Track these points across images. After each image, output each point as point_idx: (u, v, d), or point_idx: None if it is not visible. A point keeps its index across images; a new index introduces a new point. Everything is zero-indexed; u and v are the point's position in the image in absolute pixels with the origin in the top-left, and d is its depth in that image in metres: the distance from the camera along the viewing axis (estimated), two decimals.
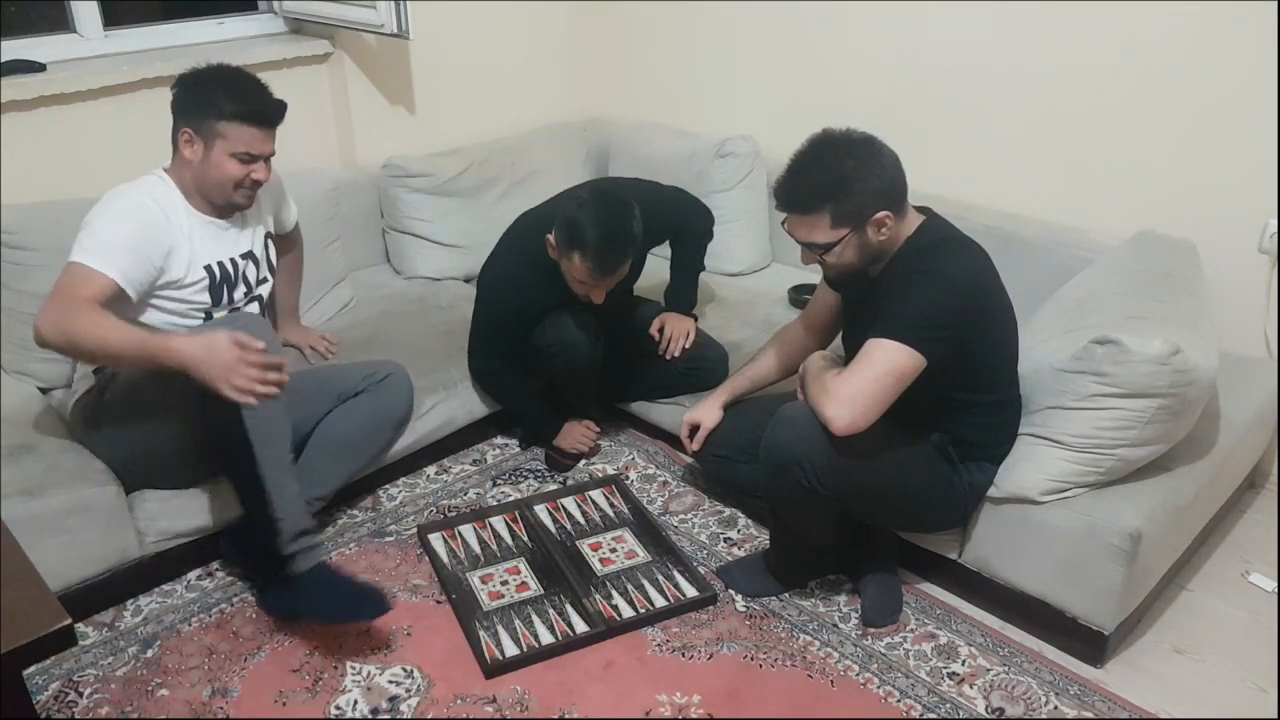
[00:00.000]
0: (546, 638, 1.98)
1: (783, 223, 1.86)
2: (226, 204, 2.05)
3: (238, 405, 1.77)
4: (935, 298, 1.76)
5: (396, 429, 2.34)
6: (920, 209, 1.89)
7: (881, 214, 1.77)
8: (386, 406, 2.28)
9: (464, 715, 1.82)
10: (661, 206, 2.46)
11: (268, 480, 1.88)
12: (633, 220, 2.18)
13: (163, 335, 1.83)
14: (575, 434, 2.56)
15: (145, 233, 1.92)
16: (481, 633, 1.99)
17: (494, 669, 1.90)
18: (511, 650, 1.95)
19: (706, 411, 2.25)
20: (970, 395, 1.90)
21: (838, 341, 2.20)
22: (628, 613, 2.05)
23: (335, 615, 1.96)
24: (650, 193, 2.47)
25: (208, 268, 2.03)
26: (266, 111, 2.00)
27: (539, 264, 2.29)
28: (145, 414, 1.96)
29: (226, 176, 1.99)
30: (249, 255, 2.13)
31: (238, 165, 1.99)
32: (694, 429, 2.27)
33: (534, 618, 2.04)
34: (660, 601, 2.08)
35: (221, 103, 1.95)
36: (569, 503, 2.41)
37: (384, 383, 2.26)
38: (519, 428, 2.69)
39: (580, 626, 2.01)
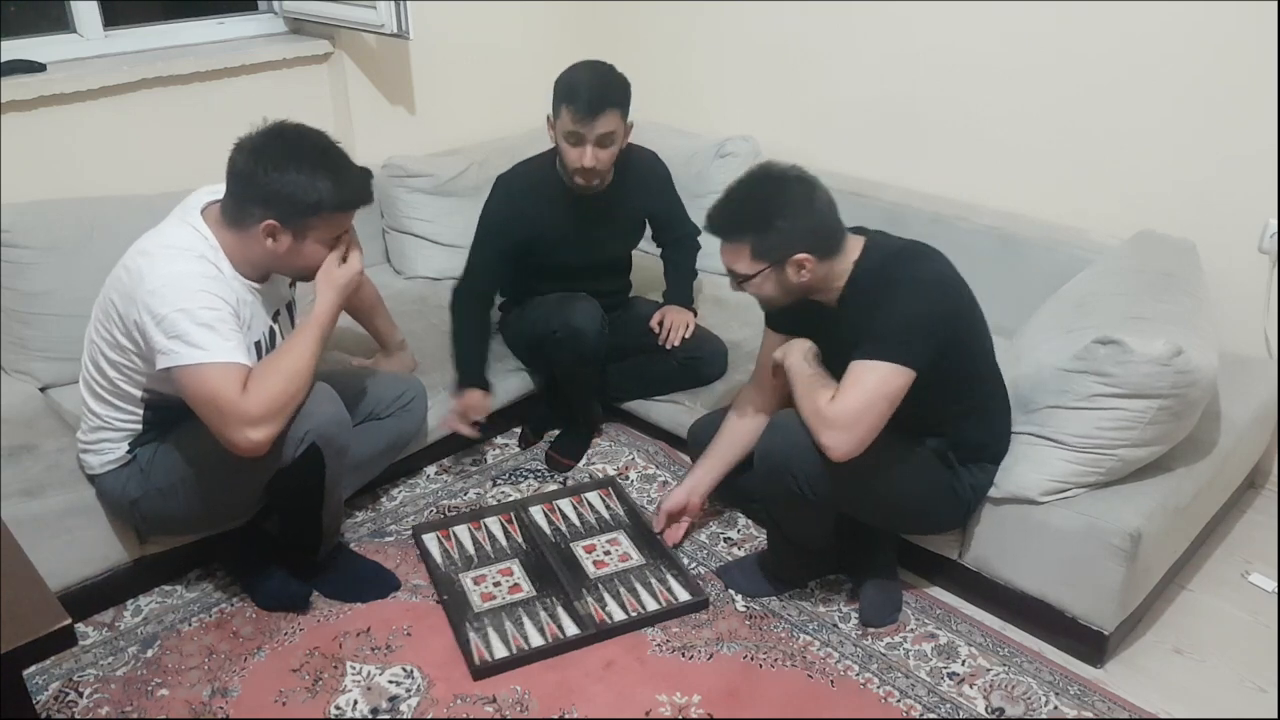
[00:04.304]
0: (536, 640, 1.97)
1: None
2: (303, 281, 1.93)
3: (321, 462, 1.87)
4: (914, 306, 1.76)
5: (406, 447, 2.36)
6: (858, 231, 1.89)
7: (802, 256, 1.77)
8: (405, 429, 2.30)
9: (464, 715, 1.82)
10: (672, 191, 2.63)
11: (325, 521, 2.01)
12: (616, 72, 2.32)
13: (305, 325, 1.84)
14: (466, 401, 2.40)
15: (230, 306, 1.76)
16: (472, 634, 1.98)
17: (482, 671, 1.89)
18: (501, 652, 1.94)
19: (691, 494, 2.19)
20: (957, 391, 1.88)
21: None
22: (619, 616, 2.04)
23: (357, 595, 2.09)
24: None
25: (257, 344, 1.87)
26: (368, 193, 1.83)
27: (540, 177, 2.43)
28: (197, 480, 1.89)
29: (316, 264, 1.84)
30: (277, 314, 1.97)
31: (327, 251, 1.84)
32: (673, 518, 2.23)
33: (525, 620, 2.03)
34: (652, 605, 2.07)
35: (322, 195, 1.74)
36: (565, 504, 2.41)
37: (408, 406, 2.27)
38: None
39: (571, 629, 2.00)
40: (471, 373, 2.42)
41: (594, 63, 2.35)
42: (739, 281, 1.86)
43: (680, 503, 2.20)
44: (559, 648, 1.96)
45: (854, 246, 1.85)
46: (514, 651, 1.94)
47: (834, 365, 1.85)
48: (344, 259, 1.88)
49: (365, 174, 1.84)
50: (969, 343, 1.87)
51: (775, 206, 1.77)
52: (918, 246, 1.87)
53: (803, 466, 1.82)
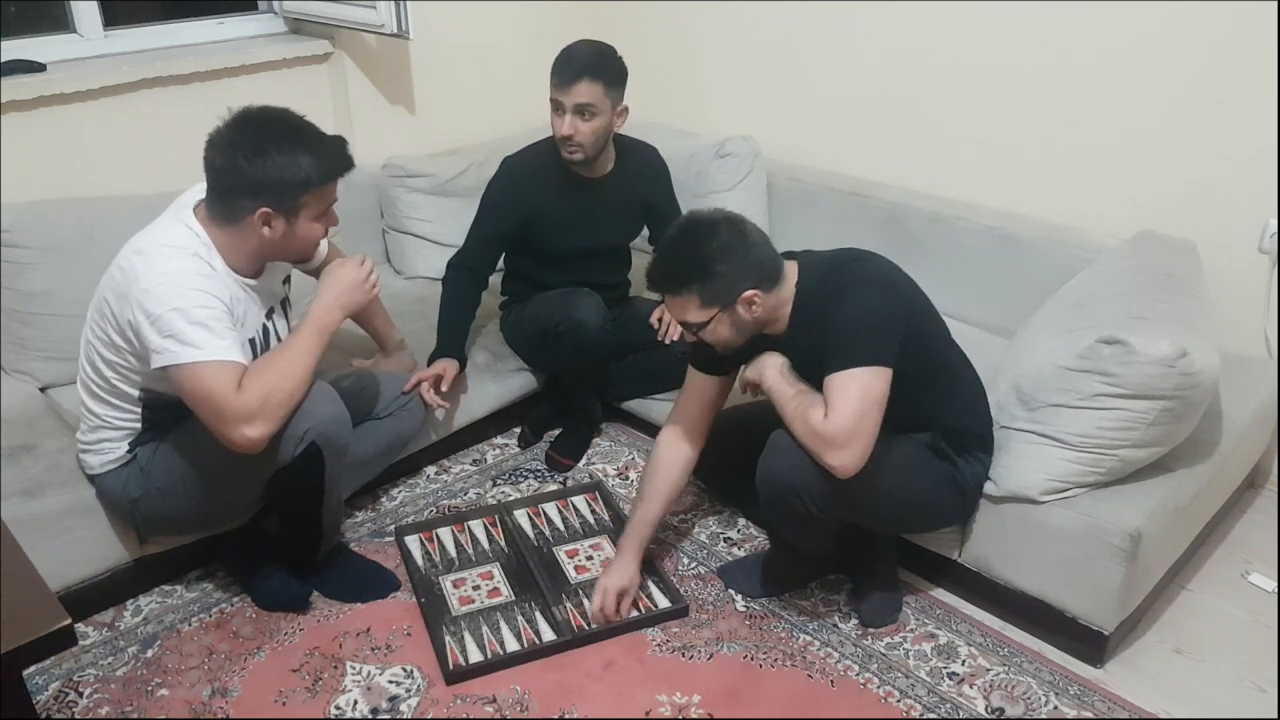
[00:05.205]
0: (512, 645, 1.96)
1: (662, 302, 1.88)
2: (300, 262, 1.96)
3: (321, 461, 1.87)
4: (868, 306, 1.76)
5: (405, 447, 2.37)
6: (786, 256, 1.89)
7: (750, 293, 1.78)
8: (404, 429, 2.30)
9: (464, 715, 1.82)
10: (670, 186, 2.66)
11: (325, 521, 2.01)
12: (610, 51, 2.38)
13: (306, 325, 1.84)
14: (436, 368, 2.36)
15: (224, 304, 1.76)
16: (448, 638, 1.98)
17: (456, 675, 1.88)
18: (476, 657, 1.93)
19: (625, 575, 2.03)
20: (929, 380, 1.88)
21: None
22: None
23: (357, 596, 2.09)
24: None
25: (251, 341, 1.87)
26: (349, 159, 1.83)
27: (543, 161, 2.47)
28: (196, 479, 1.89)
29: (313, 241, 1.86)
30: (270, 312, 1.95)
31: (320, 225, 1.84)
32: (619, 596, 2.02)
33: (502, 624, 2.02)
34: (632, 612, 2.05)
35: (307, 171, 1.74)
36: (550, 508, 2.40)
37: (407, 406, 2.27)
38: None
39: (548, 634, 1.99)
40: (450, 344, 2.43)
41: (589, 39, 2.40)
42: (694, 331, 1.85)
43: (621, 581, 2.02)
44: (535, 653, 1.95)
45: (791, 272, 1.86)
46: (489, 656, 1.93)
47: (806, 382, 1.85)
48: (374, 275, 1.94)
49: (340, 141, 1.84)
50: (927, 329, 1.88)
51: (711, 251, 1.76)
52: (851, 252, 1.89)
53: (808, 487, 1.81)
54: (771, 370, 1.88)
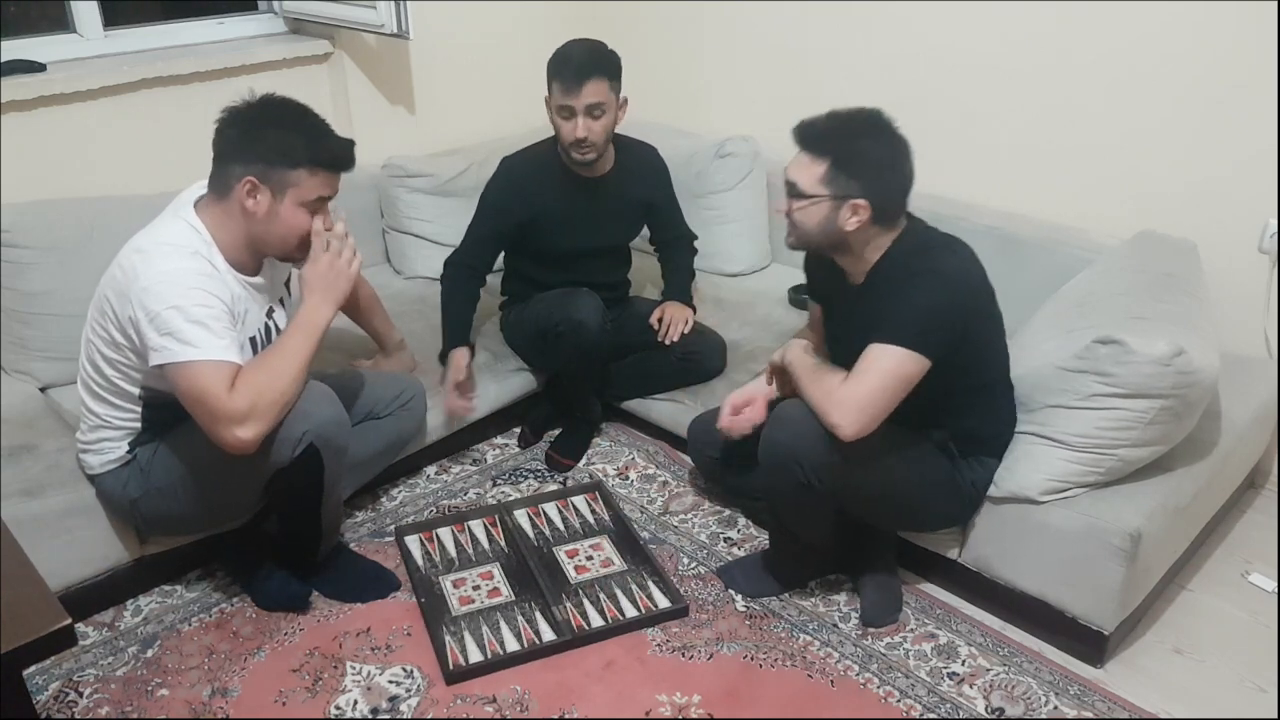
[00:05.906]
0: (512, 645, 1.96)
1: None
2: (283, 259, 1.90)
3: (320, 462, 1.87)
4: (935, 298, 1.77)
5: (405, 447, 2.37)
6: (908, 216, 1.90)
7: (861, 203, 1.78)
8: (404, 429, 2.30)
9: (464, 715, 1.82)
10: (670, 187, 2.66)
11: (324, 521, 2.01)
12: (604, 46, 2.40)
13: (295, 326, 1.83)
14: (455, 364, 2.42)
15: (224, 304, 1.77)
16: (448, 638, 1.98)
17: (456, 675, 1.88)
18: (476, 657, 1.93)
19: (750, 388, 2.12)
20: (965, 383, 1.89)
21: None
22: (597, 622, 2.03)
23: (357, 596, 2.09)
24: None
25: (252, 339, 1.88)
26: (348, 156, 1.83)
27: (543, 161, 2.48)
28: (196, 480, 1.88)
29: (296, 230, 1.81)
30: (272, 311, 1.96)
31: (308, 217, 1.82)
32: (738, 405, 2.10)
33: (502, 624, 2.02)
34: (631, 611, 2.06)
35: (298, 148, 1.75)
36: (550, 508, 2.40)
37: (407, 406, 2.27)
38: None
39: (548, 634, 1.99)
40: (457, 335, 2.46)
41: (582, 38, 2.41)
42: (793, 196, 1.85)
43: (749, 395, 2.10)
44: (535, 653, 1.95)
45: (898, 230, 1.86)
46: (489, 656, 1.93)
47: (847, 347, 1.85)
48: (345, 253, 1.89)
49: (347, 141, 1.84)
50: (982, 340, 1.88)
51: (866, 148, 1.79)
52: (950, 241, 1.88)
53: (809, 456, 1.82)
54: (795, 349, 1.95)
